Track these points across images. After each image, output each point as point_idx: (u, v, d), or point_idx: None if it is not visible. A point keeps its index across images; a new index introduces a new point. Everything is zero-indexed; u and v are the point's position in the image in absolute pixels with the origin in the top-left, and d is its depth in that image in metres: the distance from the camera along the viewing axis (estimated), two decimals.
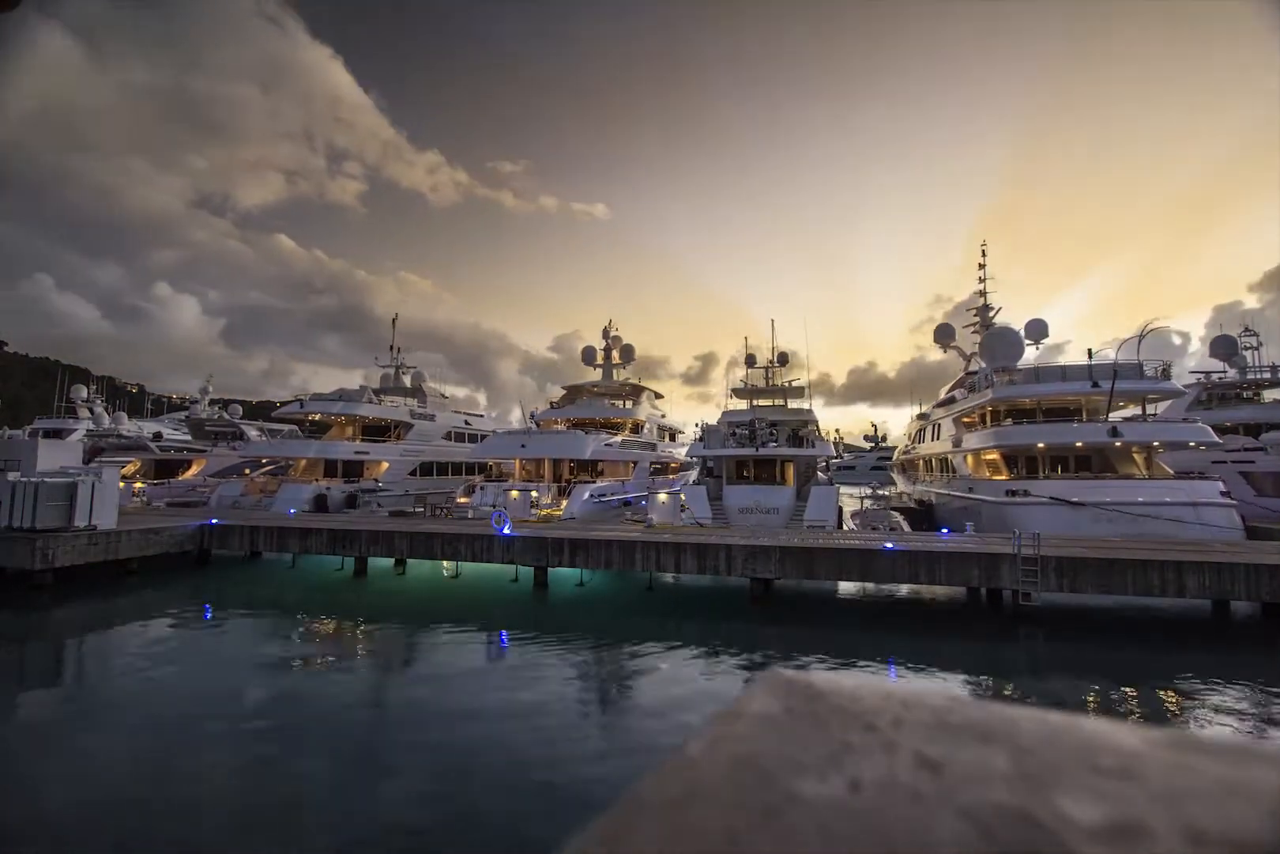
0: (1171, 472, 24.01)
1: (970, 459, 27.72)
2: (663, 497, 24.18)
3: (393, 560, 21.14)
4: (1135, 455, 25.31)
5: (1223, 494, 21.20)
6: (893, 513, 28.98)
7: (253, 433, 46.24)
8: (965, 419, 31.10)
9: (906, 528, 25.23)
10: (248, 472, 37.22)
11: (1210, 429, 23.67)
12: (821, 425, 33.05)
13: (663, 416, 45.84)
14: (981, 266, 39.01)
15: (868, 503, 36.12)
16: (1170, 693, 11.14)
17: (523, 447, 30.95)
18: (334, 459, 35.05)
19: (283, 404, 38.58)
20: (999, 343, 30.66)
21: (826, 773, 0.42)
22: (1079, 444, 24.48)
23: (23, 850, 6.62)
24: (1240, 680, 11.40)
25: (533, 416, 38.91)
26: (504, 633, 14.87)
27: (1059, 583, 14.92)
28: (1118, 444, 23.70)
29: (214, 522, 22.27)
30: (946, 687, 11.33)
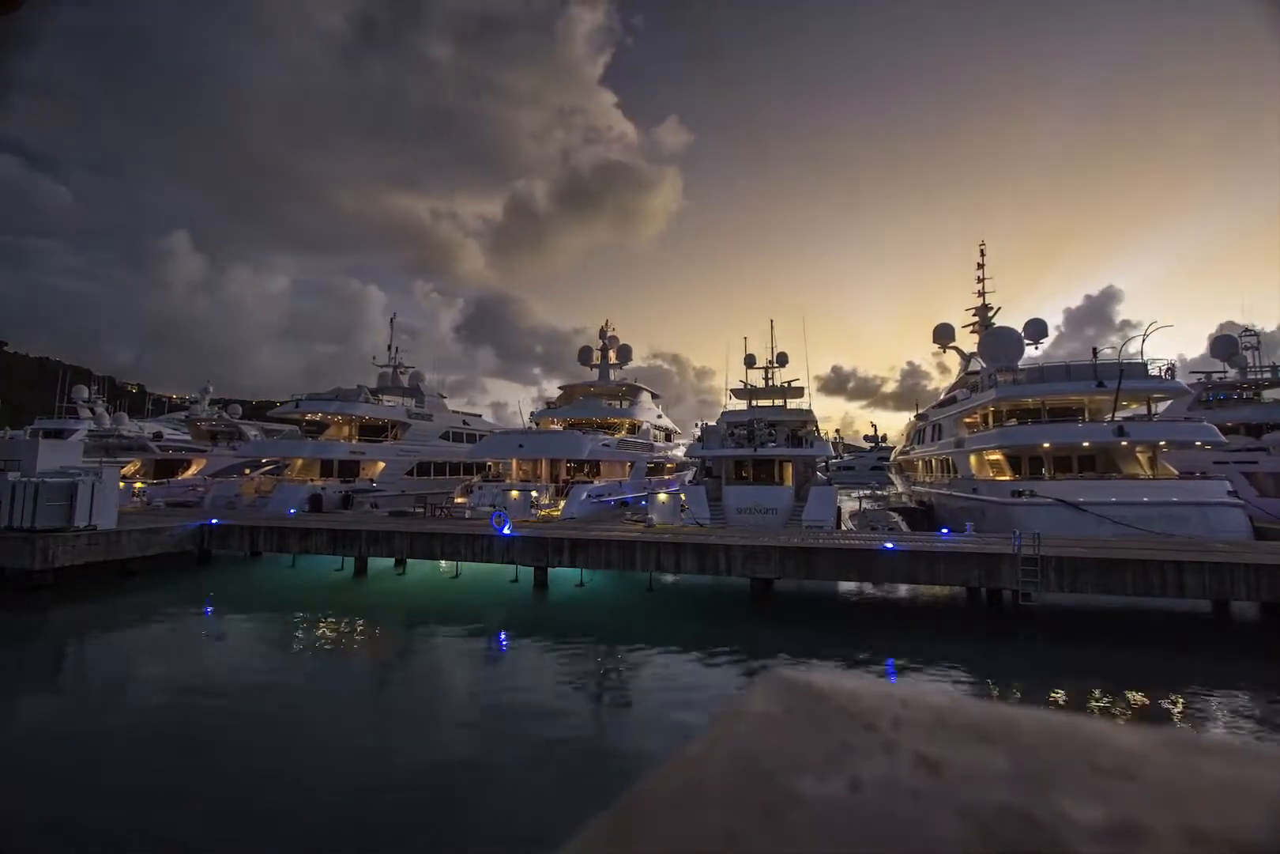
0: (1176, 472, 23.98)
1: (973, 459, 27.69)
2: (662, 497, 24.17)
3: (393, 560, 21.13)
4: (1140, 455, 25.27)
5: (1230, 494, 21.13)
6: (892, 513, 28.99)
7: (252, 432, 46.27)
8: (967, 419, 31.06)
9: (905, 528, 25.22)
10: (247, 471, 37.23)
11: (1216, 429, 23.61)
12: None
13: (660, 417, 45.83)
14: (980, 266, 39.04)
15: (867, 503, 36.13)
16: (1170, 693, 11.13)
17: (520, 447, 30.96)
18: (330, 459, 35.05)
19: (281, 404, 38.58)
20: (998, 343, 30.67)
21: (826, 773, 0.41)
22: (1085, 444, 24.44)
23: (23, 849, 6.61)
24: (1240, 681, 11.40)
25: (531, 417, 38.93)
26: (504, 633, 14.87)
27: (1059, 583, 14.91)
28: (1123, 444, 23.65)
29: (214, 522, 22.27)
30: (946, 687, 11.33)
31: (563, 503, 26.96)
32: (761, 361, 37.77)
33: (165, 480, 36.13)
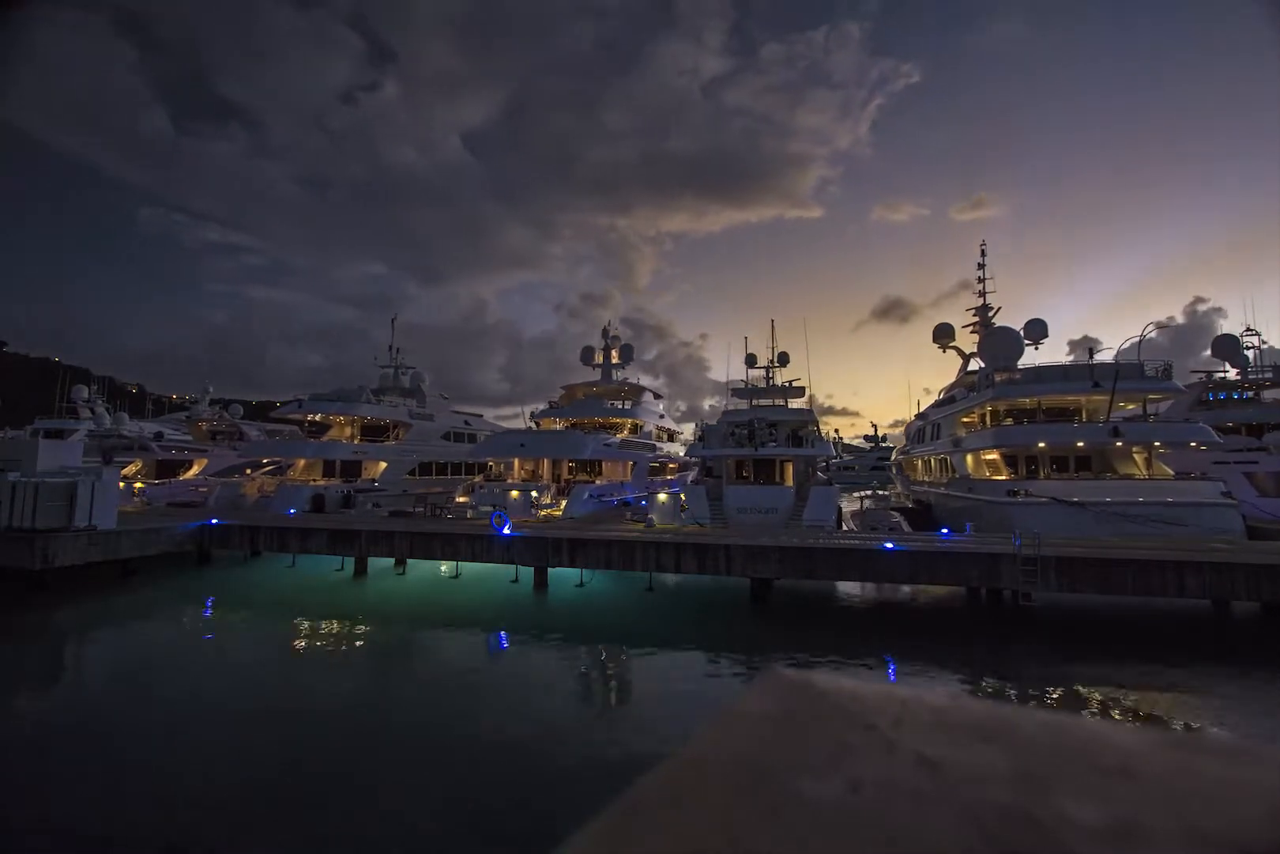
0: (1171, 472, 23.98)
1: (970, 459, 27.69)
2: (663, 497, 24.18)
3: (393, 560, 21.13)
4: (1136, 456, 25.28)
5: (1224, 494, 21.14)
6: (893, 513, 28.94)
7: (253, 433, 46.31)
8: (965, 419, 31.06)
9: (907, 528, 25.20)
10: (249, 471, 37.26)
11: (1211, 429, 23.62)
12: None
13: (662, 417, 45.78)
14: (981, 266, 39.00)
15: (868, 503, 36.13)
16: (1170, 693, 11.13)
17: (522, 446, 30.94)
18: (332, 459, 35.09)
19: (282, 404, 38.61)
20: (998, 343, 30.64)
21: (826, 773, 0.41)
22: (1080, 444, 24.45)
23: (25, 848, 6.61)
24: (1240, 680, 11.40)
25: (532, 416, 38.91)
26: (504, 633, 14.87)
27: (1059, 583, 14.90)
28: (1119, 444, 23.67)
29: (214, 521, 22.27)
30: (946, 687, 11.33)
31: (564, 503, 26.96)
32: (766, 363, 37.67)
33: (167, 480, 36.14)
